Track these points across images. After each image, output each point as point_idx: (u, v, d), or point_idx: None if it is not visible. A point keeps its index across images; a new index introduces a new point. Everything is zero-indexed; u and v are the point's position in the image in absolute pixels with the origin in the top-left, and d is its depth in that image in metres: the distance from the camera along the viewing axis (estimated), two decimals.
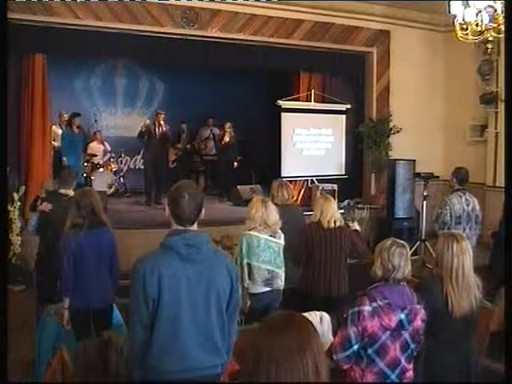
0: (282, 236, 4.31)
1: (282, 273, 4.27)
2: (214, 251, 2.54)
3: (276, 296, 4.29)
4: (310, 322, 1.62)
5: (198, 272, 2.39)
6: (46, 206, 4.65)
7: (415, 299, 2.74)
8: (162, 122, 9.19)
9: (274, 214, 4.20)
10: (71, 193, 4.64)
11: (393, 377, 2.68)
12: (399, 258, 2.72)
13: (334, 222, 4.38)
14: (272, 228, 4.21)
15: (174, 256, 2.36)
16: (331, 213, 4.38)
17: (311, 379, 1.49)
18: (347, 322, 2.69)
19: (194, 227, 2.45)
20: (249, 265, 4.14)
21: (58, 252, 4.11)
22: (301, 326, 1.59)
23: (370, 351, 2.66)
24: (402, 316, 2.66)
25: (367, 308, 2.64)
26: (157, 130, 9.17)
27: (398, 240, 2.84)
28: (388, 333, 2.65)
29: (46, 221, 4.63)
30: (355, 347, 2.66)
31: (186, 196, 2.38)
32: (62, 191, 4.69)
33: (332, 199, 4.57)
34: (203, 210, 2.47)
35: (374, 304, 2.65)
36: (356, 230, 4.67)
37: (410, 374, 2.77)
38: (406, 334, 2.69)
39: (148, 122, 9.43)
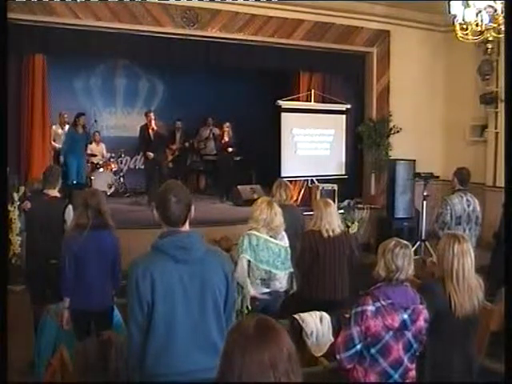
0: (286, 237, 4.26)
1: (282, 275, 4.21)
2: (207, 250, 2.49)
3: (274, 298, 4.25)
4: (284, 330, 1.56)
5: (192, 272, 2.37)
6: (25, 205, 4.75)
7: (418, 299, 2.74)
8: (152, 123, 9.05)
9: (278, 217, 4.15)
10: (55, 193, 4.57)
11: (396, 376, 2.69)
12: (403, 259, 2.72)
13: (334, 229, 4.36)
14: (274, 230, 4.17)
15: (166, 258, 2.34)
16: (332, 220, 4.37)
17: None
18: (350, 322, 2.69)
19: (186, 227, 2.44)
20: (248, 262, 4.10)
21: (42, 251, 4.26)
22: (274, 336, 1.52)
23: (373, 351, 2.66)
24: (405, 316, 2.67)
25: (370, 308, 2.65)
26: (150, 131, 9.06)
27: (402, 240, 2.84)
28: (391, 333, 2.65)
29: (29, 220, 4.73)
30: (358, 347, 2.66)
31: (173, 198, 2.37)
32: (45, 191, 4.59)
33: (332, 204, 4.54)
34: (192, 209, 2.45)
35: (377, 304, 2.65)
36: (355, 238, 4.67)
37: (412, 373, 2.77)
38: (408, 334, 2.69)
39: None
